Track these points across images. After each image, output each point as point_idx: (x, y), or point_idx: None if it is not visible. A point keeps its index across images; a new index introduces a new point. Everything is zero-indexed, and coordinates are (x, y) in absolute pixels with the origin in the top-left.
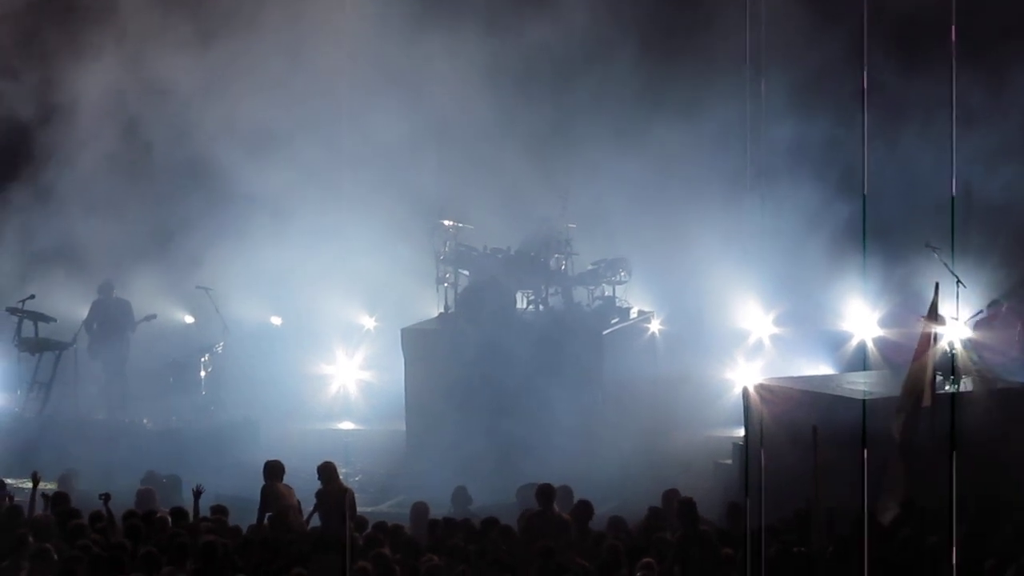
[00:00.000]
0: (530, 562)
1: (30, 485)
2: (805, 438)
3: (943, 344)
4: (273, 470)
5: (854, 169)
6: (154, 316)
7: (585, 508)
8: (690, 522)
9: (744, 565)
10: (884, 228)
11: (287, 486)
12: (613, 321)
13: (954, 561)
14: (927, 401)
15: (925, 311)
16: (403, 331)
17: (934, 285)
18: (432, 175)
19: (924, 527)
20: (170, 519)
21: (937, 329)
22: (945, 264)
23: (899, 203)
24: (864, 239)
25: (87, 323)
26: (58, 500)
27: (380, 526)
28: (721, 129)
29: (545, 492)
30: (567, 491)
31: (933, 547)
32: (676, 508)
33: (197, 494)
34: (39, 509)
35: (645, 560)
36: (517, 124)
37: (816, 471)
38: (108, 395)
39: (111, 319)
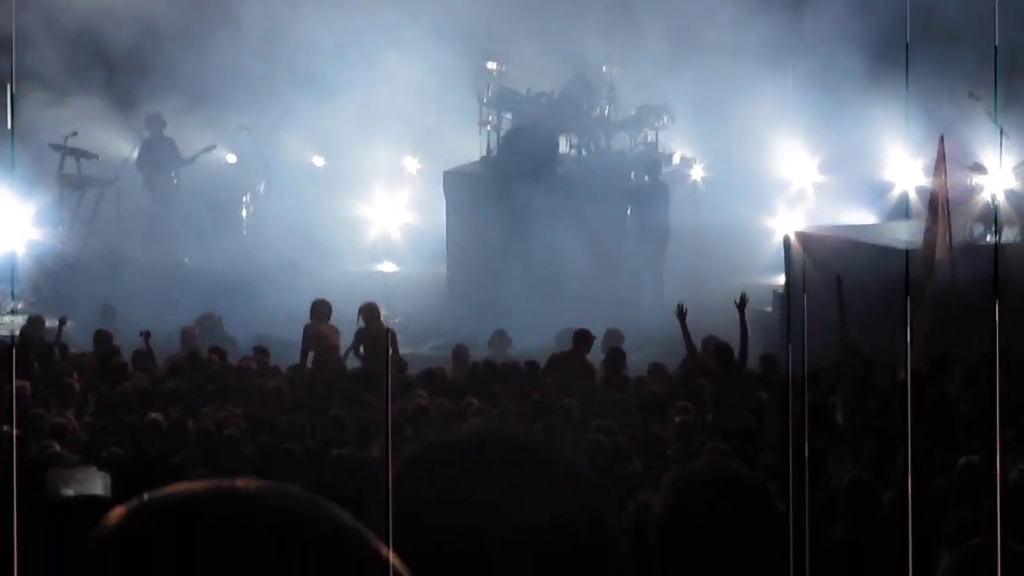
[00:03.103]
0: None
1: (70, 324)
2: (845, 287)
3: (984, 195)
4: (319, 310)
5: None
6: (214, 146)
7: (617, 354)
8: (725, 367)
9: (781, 411)
10: (927, 75)
11: (331, 326)
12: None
13: (997, 416)
14: (940, 253)
15: (969, 161)
16: (445, 174)
17: (939, 138)
18: (477, 16)
19: (961, 382)
20: (216, 358)
21: (944, 184)
22: (988, 113)
23: (943, 49)
24: (907, 86)
25: (139, 161)
26: (99, 338)
27: (427, 369)
28: None
29: (583, 337)
30: (616, 333)
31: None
32: (712, 352)
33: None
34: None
35: (680, 404)
36: None
37: (843, 321)
38: (150, 234)
39: (159, 156)
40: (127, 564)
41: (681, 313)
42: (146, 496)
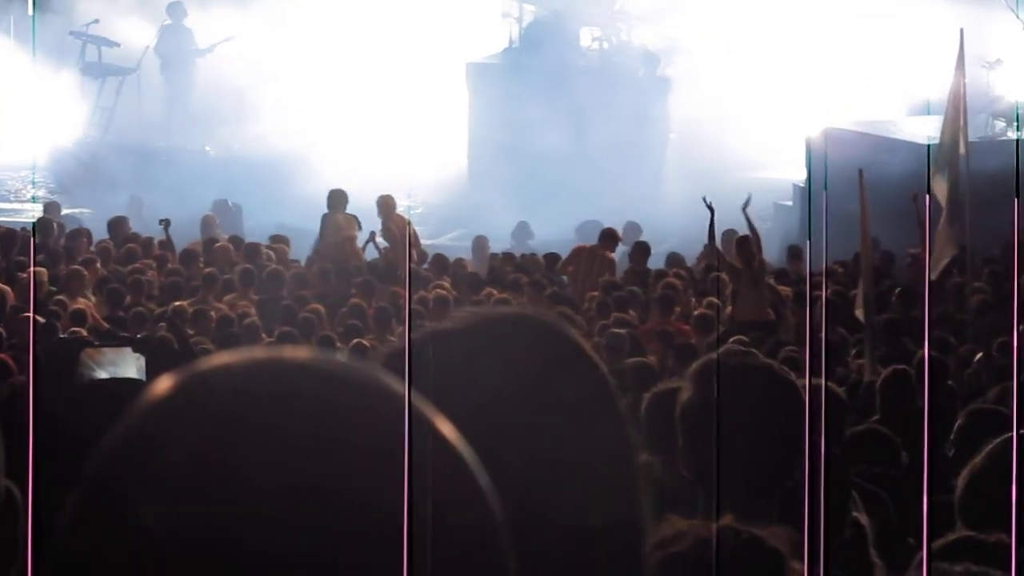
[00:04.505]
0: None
1: (88, 211)
2: (867, 181)
3: (1005, 91)
4: (335, 200)
5: None
6: (232, 37)
7: (641, 248)
8: (746, 259)
9: (801, 304)
10: None
11: (349, 216)
12: (676, 60)
13: (1015, 311)
14: (963, 150)
15: (990, 56)
16: (468, 65)
17: (959, 32)
18: None
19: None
20: (231, 246)
21: (963, 78)
22: (1010, 8)
23: None
24: None
25: (157, 47)
26: (116, 225)
27: (440, 259)
28: None
29: (609, 235)
30: (635, 227)
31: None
32: (733, 245)
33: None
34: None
35: (709, 299)
36: None
37: (864, 216)
38: (171, 122)
39: (177, 45)
40: (175, 435)
41: (709, 207)
42: (193, 367)
